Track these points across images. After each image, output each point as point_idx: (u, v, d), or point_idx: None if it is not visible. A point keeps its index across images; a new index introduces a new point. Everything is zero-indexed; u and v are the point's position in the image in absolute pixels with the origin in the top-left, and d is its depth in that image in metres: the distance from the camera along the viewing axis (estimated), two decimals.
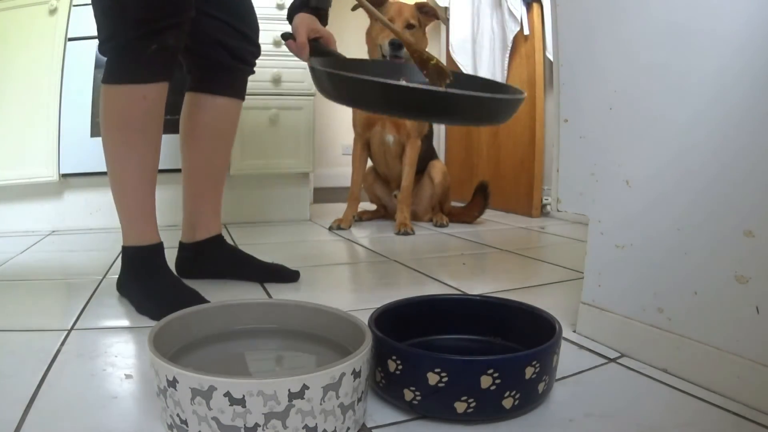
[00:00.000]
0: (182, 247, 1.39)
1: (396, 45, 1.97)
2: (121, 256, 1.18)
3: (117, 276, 1.20)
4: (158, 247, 1.17)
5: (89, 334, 1.01)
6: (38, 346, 0.93)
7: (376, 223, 2.41)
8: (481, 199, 2.36)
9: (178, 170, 1.40)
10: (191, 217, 1.37)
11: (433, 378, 0.68)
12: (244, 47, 1.32)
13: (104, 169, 1.97)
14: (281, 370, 0.82)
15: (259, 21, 2.22)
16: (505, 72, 2.66)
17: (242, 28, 1.30)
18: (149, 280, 1.14)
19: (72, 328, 1.03)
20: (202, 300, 1.09)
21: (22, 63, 1.96)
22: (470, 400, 0.67)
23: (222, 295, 1.23)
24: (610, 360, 0.90)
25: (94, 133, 2.10)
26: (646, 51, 0.86)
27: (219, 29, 1.26)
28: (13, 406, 0.71)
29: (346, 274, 1.59)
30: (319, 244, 1.98)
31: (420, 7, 2.16)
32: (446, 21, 2.39)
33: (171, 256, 1.28)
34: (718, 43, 0.76)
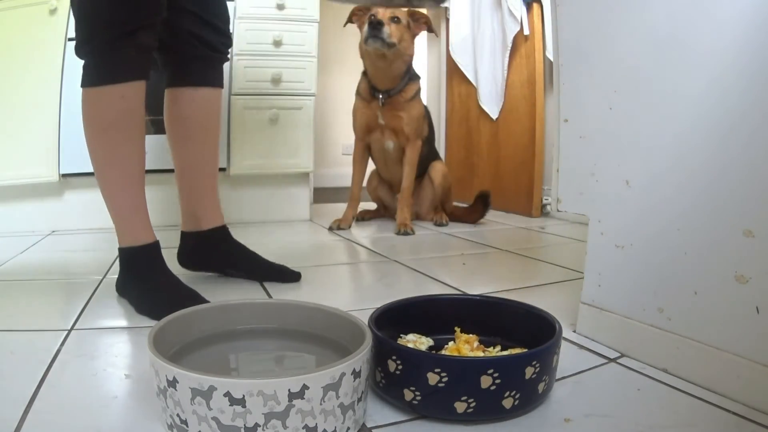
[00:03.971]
0: (185, 236, 1.38)
1: (375, 23, 1.98)
2: (118, 257, 1.19)
3: (116, 276, 1.20)
4: (154, 247, 1.17)
5: (89, 334, 1.01)
6: (38, 346, 0.93)
7: (377, 223, 2.41)
8: (481, 206, 2.36)
9: (172, 170, 1.40)
10: (191, 209, 1.37)
11: (433, 378, 0.68)
12: (216, 38, 1.32)
13: None
14: (281, 370, 0.82)
15: (258, 21, 2.24)
16: (505, 72, 2.66)
17: (213, 20, 1.30)
18: (148, 280, 1.14)
19: (72, 328, 1.03)
20: (201, 300, 1.09)
21: (22, 63, 1.96)
22: (470, 400, 0.67)
23: (222, 295, 1.23)
24: (610, 360, 0.90)
25: None
26: (646, 51, 0.86)
27: (191, 22, 1.26)
28: (13, 406, 0.71)
29: (346, 274, 1.59)
30: (319, 244, 1.98)
31: (412, 14, 2.16)
32: (437, 32, 2.41)
33: (168, 256, 1.27)
34: (718, 42, 0.76)
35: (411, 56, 2.17)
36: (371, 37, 2.00)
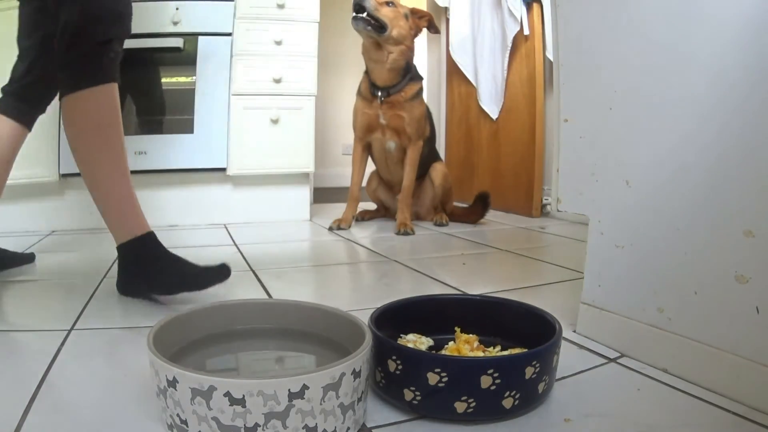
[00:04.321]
0: None
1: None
2: (118, 257, 1.19)
3: (115, 277, 1.21)
4: (153, 235, 1.20)
5: (89, 334, 1.01)
6: (38, 346, 0.93)
7: (377, 223, 2.41)
8: (480, 206, 2.36)
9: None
10: None
11: (433, 378, 0.68)
12: None
13: None
14: (281, 370, 0.82)
15: (258, 21, 2.24)
16: (505, 72, 2.66)
17: None
18: (156, 261, 1.17)
19: (72, 328, 1.03)
20: (211, 274, 1.13)
21: None
22: (470, 400, 0.67)
23: (222, 295, 1.23)
24: (610, 360, 0.90)
25: None
26: (646, 51, 0.86)
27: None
28: (13, 406, 0.71)
29: (346, 274, 1.59)
30: (319, 244, 1.98)
31: (414, 11, 2.16)
32: (438, 31, 2.39)
33: None
34: (718, 42, 0.76)
35: (409, 49, 2.14)
36: (354, 9, 2.01)
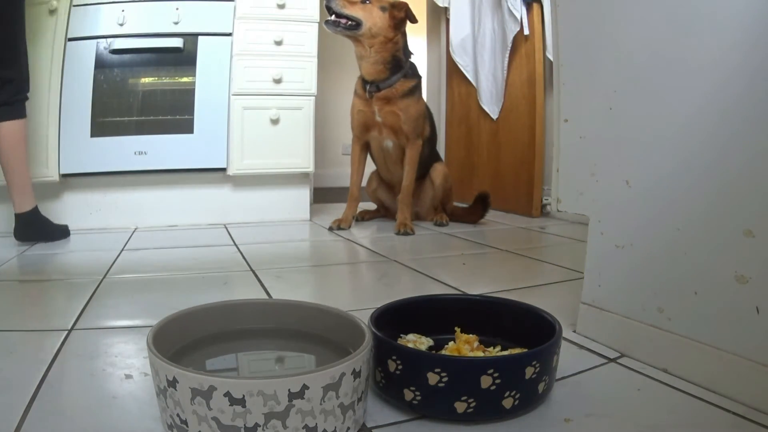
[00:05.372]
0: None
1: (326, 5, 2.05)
2: (21, 218, 1.80)
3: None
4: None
5: (89, 334, 1.01)
6: (38, 346, 0.93)
7: (377, 223, 2.41)
8: (480, 207, 2.36)
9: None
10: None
11: (433, 378, 0.68)
12: None
13: (104, 169, 2.01)
14: (281, 370, 0.82)
15: (258, 21, 2.24)
16: (505, 72, 2.66)
17: None
18: (47, 224, 1.91)
19: (72, 328, 1.03)
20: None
21: None
22: (470, 400, 0.67)
23: (222, 295, 1.23)
24: (610, 360, 0.90)
25: (94, 133, 2.10)
26: (646, 51, 0.86)
27: None
28: (13, 406, 0.71)
29: (346, 274, 1.59)
30: (319, 244, 1.98)
31: (394, 4, 2.14)
32: (416, 20, 2.31)
33: None
34: (717, 41, 0.76)
35: (390, 41, 2.11)
36: (328, 14, 2.03)
